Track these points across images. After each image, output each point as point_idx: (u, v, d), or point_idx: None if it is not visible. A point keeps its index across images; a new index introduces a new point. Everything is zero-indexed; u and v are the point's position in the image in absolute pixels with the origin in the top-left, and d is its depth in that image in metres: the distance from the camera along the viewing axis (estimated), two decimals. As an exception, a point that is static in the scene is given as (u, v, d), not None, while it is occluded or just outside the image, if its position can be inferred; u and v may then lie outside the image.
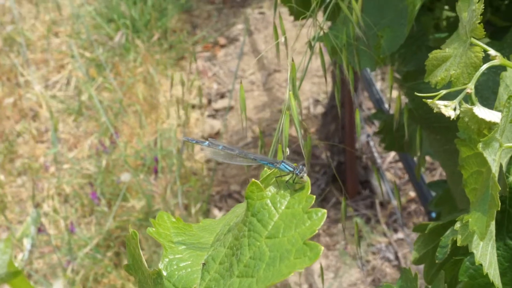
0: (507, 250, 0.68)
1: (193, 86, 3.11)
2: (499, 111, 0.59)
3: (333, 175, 2.49)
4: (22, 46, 3.44)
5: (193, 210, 2.50)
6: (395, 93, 2.81)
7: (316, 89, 3.05)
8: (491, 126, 0.58)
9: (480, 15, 0.59)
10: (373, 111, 2.56)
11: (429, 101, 0.59)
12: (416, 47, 1.00)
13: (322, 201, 2.36)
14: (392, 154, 2.60)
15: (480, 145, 0.55)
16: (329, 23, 1.02)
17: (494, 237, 0.59)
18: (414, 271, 0.70)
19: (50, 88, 3.24)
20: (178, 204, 2.51)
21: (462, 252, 0.72)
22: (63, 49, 3.47)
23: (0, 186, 2.72)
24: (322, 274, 0.78)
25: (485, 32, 0.59)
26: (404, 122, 0.88)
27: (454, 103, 0.58)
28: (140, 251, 0.53)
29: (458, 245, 0.58)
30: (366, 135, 2.53)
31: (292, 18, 1.17)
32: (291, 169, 0.54)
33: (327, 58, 0.89)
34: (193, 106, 3.06)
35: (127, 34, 3.40)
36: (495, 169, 0.54)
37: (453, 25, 1.10)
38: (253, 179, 0.51)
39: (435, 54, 0.64)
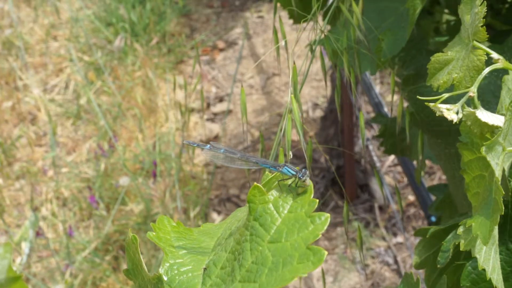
0: (509, 255, 0.67)
1: (193, 89, 3.10)
2: (502, 114, 0.58)
3: (332, 179, 2.49)
4: (21, 50, 3.44)
5: (192, 214, 2.50)
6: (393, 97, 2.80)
7: (315, 93, 3.05)
8: (493, 129, 0.58)
9: (483, 18, 0.58)
10: (372, 115, 2.56)
11: (431, 104, 0.58)
12: (416, 50, 1.00)
13: (321, 205, 2.36)
14: (391, 158, 2.60)
15: (483, 149, 0.54)
16: (328, 27, 1.02)
17: (497, 242, 0.59)
18: (416, 276, 0.70)
19: (48, 92, 3.24)
20: (177, 208, 2.51)
21: (464, 256, 0.72)
22: (62, 52, 3.46)
23: (-2, 190, 2.71)
24: (323, 278, 0.77)
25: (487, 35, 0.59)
26: (406, 125, 0.88)
27: (457, 106, 0.58)
28: (140, 255, 0.53)
29: (461, 249, 0.57)
30: (365, 139, 2.52)
31: (291, 21, 1.17)
32: (294, 173, 0.53)
33: (326, 61, 0.89)
34: (192, 110, 3.05)
35: (125, 38, 3.40)
36: (498, 173, 0.54)
37: (453, 28, 1.09)
38: (255, 183, 0.50)
39: (437, 57, 0.63)
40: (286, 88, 3.13)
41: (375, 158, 2.53)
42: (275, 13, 0.96)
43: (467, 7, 0.62)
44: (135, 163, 2.73)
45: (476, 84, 0.58)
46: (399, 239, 2.33)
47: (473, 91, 0.58)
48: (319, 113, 2.88)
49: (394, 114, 1.06)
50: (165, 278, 0.52)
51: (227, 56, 3.45)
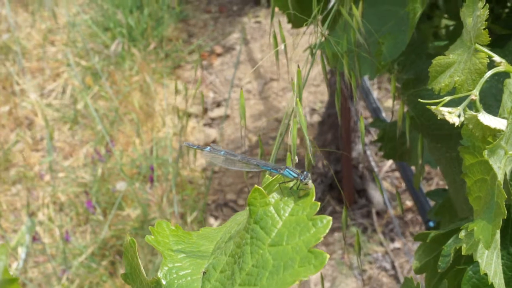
0: (510, 259, 0.67)
1: (190, 94, 3.10)
2: (503, 118, 0.58)
3: (329, 184, 2.48)
4: (18, 55, 3.43)
5: (189, 219, 2.49)
6: (391, 102, 2.80)
7: (312, 98, 3.05)
8: (495, 133, 0.57)
9: (485, 20, 0.58)
10: (370, 120, 2.55)
11: (433, 107, 0.58)
12: (415, 55, 0.99)
13: (319, 210, 2.35)
14: (389, 163, 2.60)
15: (485, 152, 0.54)
16: (327, 32, 1.02)
17: (499, 246, 0.58)
18: (416, 280, 0.69)
19: (45, 97, 3.23)
20: (174, 213, 2.50)
21: (465, 261, 0.71)
22: (59, 57, 3.46)
23: (-6, 195, 2.70)
24: (322, 283, 0.77)
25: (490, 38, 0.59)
26: (406, 129, 0.87)
27: (459, 109, 0.57)
28: (139, 259, 0.52)
29: (463, 253, 0.57)
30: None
31: (289, 26, 1.16)
32: (296, 175, 0.53)
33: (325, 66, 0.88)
34: (189, 115, 3.05)
35: (123, 43, 3.39)
36: (500, 177, 0.53)
37: (452, 33, 1.09)
38: (256, 185, 0.50)
39: (438, 60, 0.63)
40: (284, 93, 3.12)
41: (372, 164, 2.52)
42: (272, 17, 0.95)
43: (469, 10, 0.61)
44: (132, 168, 2.72)
45: (478, 87, 0.58)
46: (397, 244, 2.33)
47: (475, 94, 0.57)
48: (316, 118, 2.88)
49: (394, 119, 1.06)
50: (163, 282, 0.51)
51: (225, 61, 3.45)
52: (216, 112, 3.09)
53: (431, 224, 1.64)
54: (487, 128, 0.57)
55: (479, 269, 0.64)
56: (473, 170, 0.60)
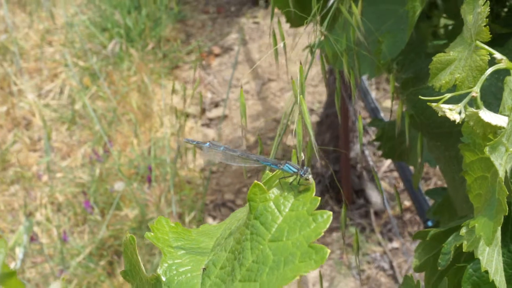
0: (511, 257, 0.67)
1: (188, 94, 3.10)
2: (504, 115, 0.57)
3: (328, 184, 2.48)
4: (16, 55, 3.43)
5: (187, 219, 2.49)
6: (389, 102, 2.80)
7: (310, 98, 3.04)
8: (496, 130, 0.57)
9: (486, 17, 0.58)
10: (368, 120, 2.55)
11: (434, 104, 0.57)
12: (414, 54, 0.99)
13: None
14: (387, 163, 2.60)
15: (487, 149, 0.54)
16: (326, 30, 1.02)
17: (500, 243, 0.58)
18: (416, 279, 0.69)
19: (43, 97, 3.23)
20: (172, 213, 2.50)
21: (465, 259, 0.71)
22: (57, 58, 3.46)
23: (-8, 195, 2.70)
24: (321, 282, 0.77)
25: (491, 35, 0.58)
26: (406, 128, 0.87)
27: (460, 106, 0.57)
28: (138, 256, 0.52)
29: (464, 250, 0.56)
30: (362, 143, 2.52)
31: (287, 27, 1.16)
32: (296, 170, 0.52)
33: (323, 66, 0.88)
34: (187, 115, 3.05)
35: (121, 43, 3.39)
36: (502, 174, 0.53)
37: (451, 32, 1.09)
38: (256, 181, 0.49)
39: (439, 57, 0.63)
40: (282, 94, 3.12)
41: (371, 164, 2.52)
42: (272, 16, 0.95)
43: (469, 7, 0.61)
44: (130, 168, 2.72)
45: (479, 84, 0.57)
46: (395, 244, 2.33)
47: (476, 91, 0.57)
48: (314, 118, 2.88)
49: (393, 118, 1.06)
50: (163, 279, 0.51)
51: (223, 61, 3.45)
52: (214, 113, 3.08)
53: (430, 224, 1.64)
54: (488, 125, 0.57)
55: (479, 267, 0.64)
56: (474, 167, 0.59)
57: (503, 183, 0.52)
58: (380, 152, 2.52)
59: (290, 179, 0.52)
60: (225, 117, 3.03)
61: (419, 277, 0.83)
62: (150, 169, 2.66)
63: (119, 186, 2.62)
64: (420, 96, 0.63)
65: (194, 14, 3.89)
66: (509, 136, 0.55)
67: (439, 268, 0.70)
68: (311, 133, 0.70)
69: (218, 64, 3.43)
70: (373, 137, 1.17)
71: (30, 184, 2.74)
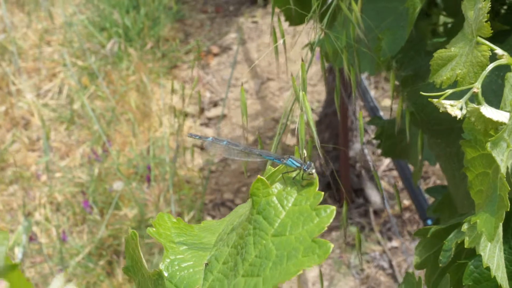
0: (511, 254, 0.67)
1: (187, 94, 3.10)
2: (506, 111, 0.57)
3: (327, 183, 2.48)
4: (14, 55, 3.42)
5: (186, 219, 2.49)
6: (388, 101, 2.79)
7: (309, 97, 3.04)
8: (497, 126, 0.57)
9: (487, 13, 0.58)
10: (368, 119, 2.55)
11: (435, 100, 0.57)
12: (414, 51, 0.99)
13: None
14: (386, 162, 2.60)
15: (488, 145, 0.54)
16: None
17: (501, 240, 0.58)
18: (418, 276, 0.69)
19: (42, 97, 3.23)
20: (171, 213, 2.50)
21: (466, 256, 0.71)
22: (55, 57, 3.46)
23: (-9, 195, 2.70)
24: (321, 281, 0.77)
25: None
26: (406, 125, 0.87)
27: (461, 102, 0.57)
28: (140, 252, 0.52)
29: (465, 246, 0.56)
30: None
31: (286, 25, 1.16)
32: (299, 165, 0.52)
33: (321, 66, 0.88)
34: (186, 115, 3.05)
35: (119, 43, 3.39)
36: (503, 170, 0.53)
37: (450, 30, 1.09)
38: (259, 176, 0.49)
39: (440, 53, 0.63)
40: (281, 93, 3.12)
41: (370, 163, 2.53)
42: (273, 14, 0.95)
43: (470, 2, 0.61)
44: (129, 168, 2.72)
45: (480, 80, 0.57)
46: (394, 243, 2.33)
47: (477, 87, 0.57)
48: (313, 117, 2.87)
49: (393, 116, 1.06)
50: (165, 274, 0.51)
51: (221, 61, 3.45)
52: (213, 112, 3.08)
53: (429, 223, 1.64)
54: (490, 121, 0.57)
55: (481, 264, 0.64)
56: (475, 163, 0.59)
57: (504, 179, 0.52)
58: (379, 151, 2.52)
59: (293, 174, 0.51)
60: (224, 116, 3.03)
61: (420, 274, 0.83)
62: (149, 169, 2.66)
63: (118, 185, 2.62)
64: (421, 92, 0.63)
65: (193, 13, 3.89)
66: (510, 132, 0.55)
67: (440, 265, 0.70)
68: (314, 129, 0.70)
69: (217, 64, 3.43)
70: (373, 136, 1.17)
71: (29, 184, 2.74)
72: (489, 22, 0.58)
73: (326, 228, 0.43)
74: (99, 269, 2.33)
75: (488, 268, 0.56)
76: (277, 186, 0.49)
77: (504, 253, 0.65)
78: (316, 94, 3.06)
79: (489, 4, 0.58)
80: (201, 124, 3.01)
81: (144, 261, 0.51)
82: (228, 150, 0.58)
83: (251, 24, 3.71)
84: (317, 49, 0.91)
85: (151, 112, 3.01)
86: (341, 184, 2.39)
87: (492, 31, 0.58)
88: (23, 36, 3.62)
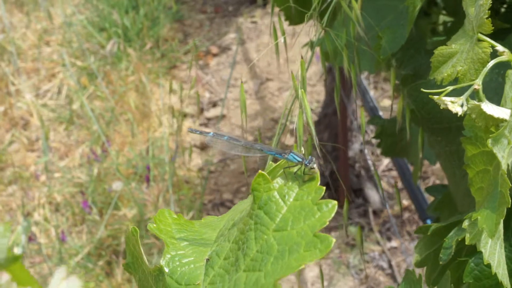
0: (512, 251, 0.67)
1: (186, 94, 3.10)
2: (506, 108, 0.57)
3: (326, 183, 2.48)
4: (13, 55, 3.42)
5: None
6: (387, 101, 2.79)
7: (308, 97, 3.04)
8: (498, 123, 0.57)
9: (488, 10, 0.57)
10: (367, 119, 2.55)
11: (436, 97, 0.57)
12: (414, 50, 0.99)
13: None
14: (385, 162, 2.60)
15: (489, 141, 0.54)
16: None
17: (502, 236, 0.58)
18: (418, 273, 0.69)
19: (41, 97, 3.23)
20: (171, 213, 2.49)
21: (466, 253, 0.71)
22: (54, 58, 3.46)
23: (-10, 195, 2.70)
24: (322, 280, 0.76)
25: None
26: (407, 123, 0.87)
27: (461, 99, 0.57)
28: (141, 248, 0.52)
29: (466, 243, 0.56)
30: (360, 143, 2.52)
31: (285, 25, 1.15)
32: (300, 160, 0.52)
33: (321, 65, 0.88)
34: (185, 115, 3.05)
35: (119, 43, 3.39)
36: (504, 166, 0.53)
37: (450, 29, 1.09)
38: (260, 171, 0.49)
39: (440, 50, 0.63)
40: (280, 93, 3.12)
41: (369, 163, 2.53)
42: (272, 13, 0.95)
43: (471, -1, 0.61)
44: (128, 168, 2.72)
45: (481, 76, 0.57)
46: (394, 243, 2.33)
47: (478, 84, 0.57)
48: (312, 117, 2.87)
49: (393, 114, 1.06)
50: (166, 270, 0.51)
51: (221, 61, 3.45)
52: (212, 112, 3.08)
53: (429, 222, 1.64)
54: (490, 117, 0.56)
55: (481, 261, 0.64)
56: (476, 160, 0.59)
57: (506, 175, 0.52)
58: (378, 151, 2.52)
59: (295, 169, 0.51)
60: (223, 116, 3.03)
61: (420, 272, 0.83)
62: (148, 169, 2.66)
63: (117, 185, 2.62)
64: (422, 89, 0.63)
65: (192, 13, 3.89)
66: (511, 128, 0.55)
67: (440, 262, 0.70)
68: (312, 127, 0.70)
69: (216, 64, 3.43)
70: (372, 136, 1.17)
71: (28, 184, 2.74)
72: (490, 19, 0.58)
73: (327, 223, 0.43)
74: (98, 269, 2.33)
75: (488, 265, 0.56)
76: (278, 181, 0.49)
77: (505, 251, 0.65)
78: (315, 94, 3.06)
79: (490, 1, 0.57)
80: (201, 124, 3.01)
81: (144, 257, 0.51)
82: (229, 145, 0.58)
83: (250, 24, 3.71)
84: (317, 49, 0.91)
85: (150, 112, 3.01)
86: (340, 184, 2.39)
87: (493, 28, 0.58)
88: (22, 36, 3.62)
